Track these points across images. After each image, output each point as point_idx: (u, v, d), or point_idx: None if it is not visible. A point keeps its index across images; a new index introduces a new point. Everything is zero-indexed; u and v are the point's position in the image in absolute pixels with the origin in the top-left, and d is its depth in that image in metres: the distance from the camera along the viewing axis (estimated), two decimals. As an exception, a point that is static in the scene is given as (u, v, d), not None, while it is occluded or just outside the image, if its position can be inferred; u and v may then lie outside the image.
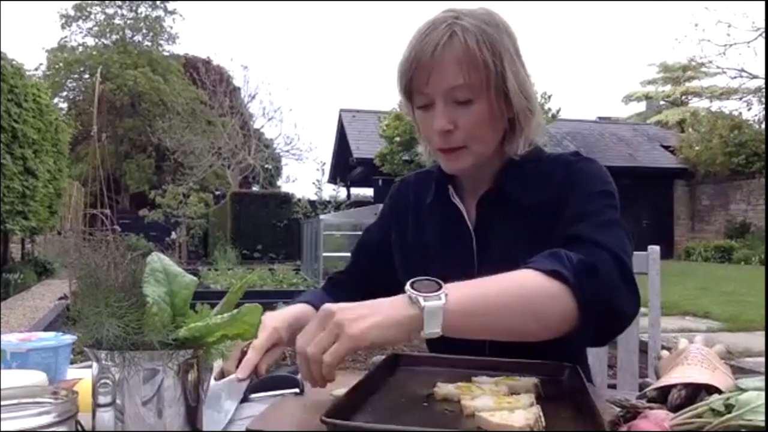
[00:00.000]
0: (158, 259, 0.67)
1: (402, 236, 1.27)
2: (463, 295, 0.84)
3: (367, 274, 1.28)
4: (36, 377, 0.77)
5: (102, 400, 0.62)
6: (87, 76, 24.88)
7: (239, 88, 21.20)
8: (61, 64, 25.48)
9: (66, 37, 26.08)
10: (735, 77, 20.22)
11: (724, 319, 6.59)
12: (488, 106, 1.08)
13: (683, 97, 28.30)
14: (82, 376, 0.89)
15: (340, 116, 20.35)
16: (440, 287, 0.82)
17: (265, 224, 15.75)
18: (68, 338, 0.95)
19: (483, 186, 1.19)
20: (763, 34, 17.21)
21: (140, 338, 0.60)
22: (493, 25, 1.08)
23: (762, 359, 4.64)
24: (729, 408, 0.62)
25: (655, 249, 1.60)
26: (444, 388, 0.84)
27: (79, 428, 0.63)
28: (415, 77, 1.08)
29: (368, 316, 0.78)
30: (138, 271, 0.65)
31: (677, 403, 0.73)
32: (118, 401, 0.62)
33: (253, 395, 0.95)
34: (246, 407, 0.90)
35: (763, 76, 18.76)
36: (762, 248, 14.45)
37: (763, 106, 20.48)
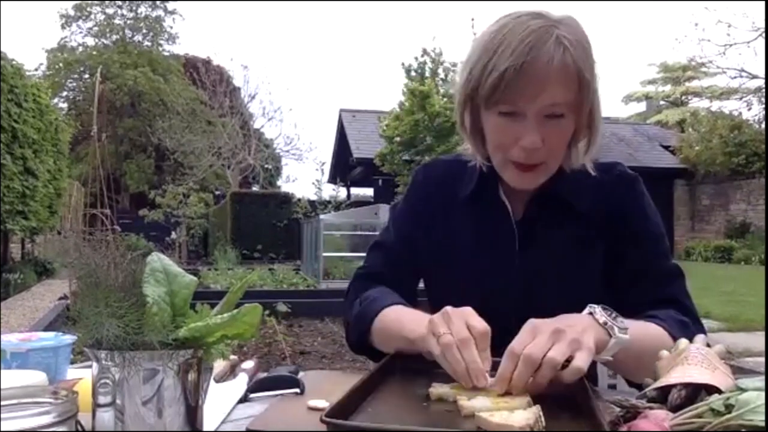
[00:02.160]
0: (158, 259, 0.67)
1: (431, 228, 1.21)
2: (633, 334, 0.92)
3: (410, 266, 1.22)
4: (36, 377, 0.76)
5: (102, 400, 0.62)
6: (87, 76, 24.87)
7: (239, 88, 21.19)
8: (61, 64, 25.47)
9: (66, 37, 26.10)
10: (735, 77, 20.26)
11: (724, 319, 6.60)
12: (574, 123, 1.05)
13: (683, 97, 28.31)
14: (82, 376, 0.89)
15: (340, 116, 20.36)
16: (621, 319, 0.91)
17: (265, 224, 15.73)
18: (68, 338, 0.95)
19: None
20: (763, 35, 17.20)
21: (140, 338, 0.60)
22: (584, 38, 1.03)
23: (762, 359, 4.64)
24: (729, 408, 0.62)
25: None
26: (439, 388, 0.84)
27: (79, 428, 0.63)
28: (521, 88, 0.98)
29: (587, 333, 0.85)
30: (138, 271, 0.65)
31: (677, 403, 0.73)
32: (118, 401, 0.62)
33: (253, 395, 0.95)
34: (246, 407, 0.90)
35: (763, 76, 18.76)
36: (762, 248, 14.44)
37: (763, 106, 20.47)
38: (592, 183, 1.14)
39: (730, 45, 18.64)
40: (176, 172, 19.81)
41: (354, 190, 20.57)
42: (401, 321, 1.02)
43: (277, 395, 0.94)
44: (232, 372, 1.04)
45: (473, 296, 1.01)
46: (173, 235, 16.93)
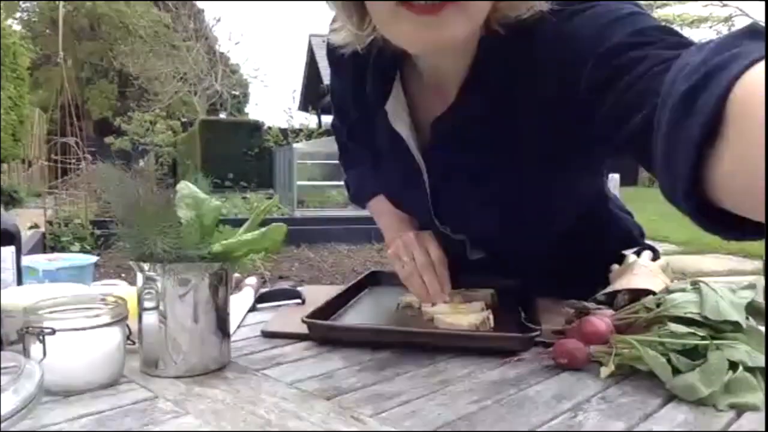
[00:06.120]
0: (186, 187, 0.78)
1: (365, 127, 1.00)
2: None
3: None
4: (82, 288, 0.87)
5: (148, 304, 0.74)
6: (41, -4, 23.58)
7: (203, 11, 20.42)
8: (13, -17, 24.04)
9: (17, -46, 24.49)
10: (706, 5, 20.27)
11: (682, 243, 7.00)
12: None
13: (655, 25, 28.31)
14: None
15: (309, 41, 19.83)
16: None
17: (236, 153, 15.58)
18: (92, 258, 1.06)
19: (452, 78, 0.83)
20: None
21: (179, 252, 0.71)
22: None
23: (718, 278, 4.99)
24: (659, 305, 0.77)
25: (615, 177, 1.76)
26: (408, 297, 1.01)
27: (128, 332, 0.75)
28: None
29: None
30: (171, 197, 0.75)
31: (622, 305, 0.89)
32: (160, 307, 0.74)
33: (260, 305, 1.08)
34: (255, 315, 1.04)
35: (733, 4, 18.81)
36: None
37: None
38: (524, 85, 0.78)
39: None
40: (141, 98, 19.29)
41: (325, 118, 20.32)
42: (381, 223, 1.14)
43: (282, 305, 1.07)
44: (237, 286, 1.17)
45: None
46: (141, 163, 16.68)
